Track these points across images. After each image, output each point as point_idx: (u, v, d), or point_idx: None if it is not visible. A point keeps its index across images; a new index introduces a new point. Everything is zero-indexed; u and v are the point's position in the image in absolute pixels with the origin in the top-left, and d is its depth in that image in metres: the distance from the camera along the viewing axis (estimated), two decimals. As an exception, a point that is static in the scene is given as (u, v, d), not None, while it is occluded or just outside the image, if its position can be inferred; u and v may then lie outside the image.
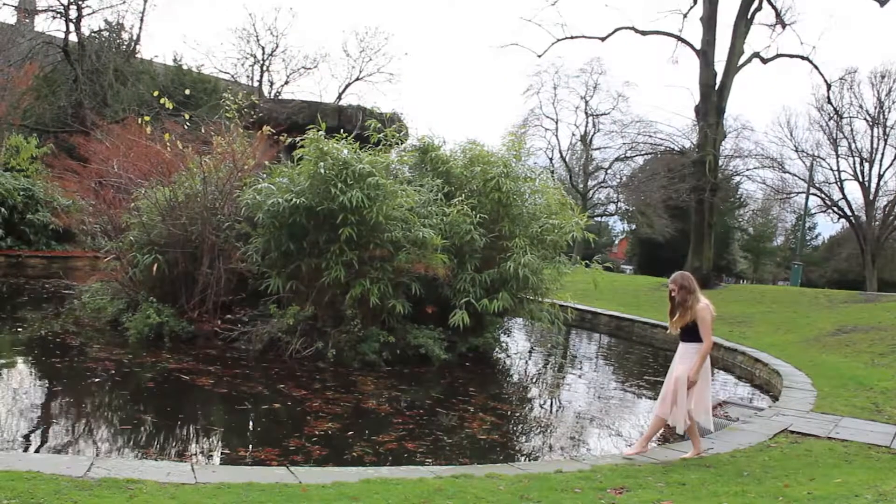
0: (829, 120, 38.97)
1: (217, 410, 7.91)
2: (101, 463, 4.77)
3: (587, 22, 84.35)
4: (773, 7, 26.55)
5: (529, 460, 6.98)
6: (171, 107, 12.34)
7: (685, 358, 6.21)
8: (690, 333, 6.19)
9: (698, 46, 25.77)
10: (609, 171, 47.83)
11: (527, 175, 12.85)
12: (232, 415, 7.70)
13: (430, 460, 6.39)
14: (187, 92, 19.03)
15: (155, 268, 10.71)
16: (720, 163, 29.92)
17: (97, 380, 8.42)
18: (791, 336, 15.05)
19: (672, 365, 6.39)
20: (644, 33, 27.75)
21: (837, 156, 39.77)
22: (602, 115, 47.53)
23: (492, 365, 12.07)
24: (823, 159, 40.46)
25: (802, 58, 27.11)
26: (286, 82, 41.39)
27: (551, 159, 49.37)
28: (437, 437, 7.26)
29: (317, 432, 6.92)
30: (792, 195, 43.04)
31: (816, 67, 27.54)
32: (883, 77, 37.86)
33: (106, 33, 33.62)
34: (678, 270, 6.54)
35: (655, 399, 7.24)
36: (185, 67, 36.88)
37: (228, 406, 7.89)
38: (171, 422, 7.26)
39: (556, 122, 48.86)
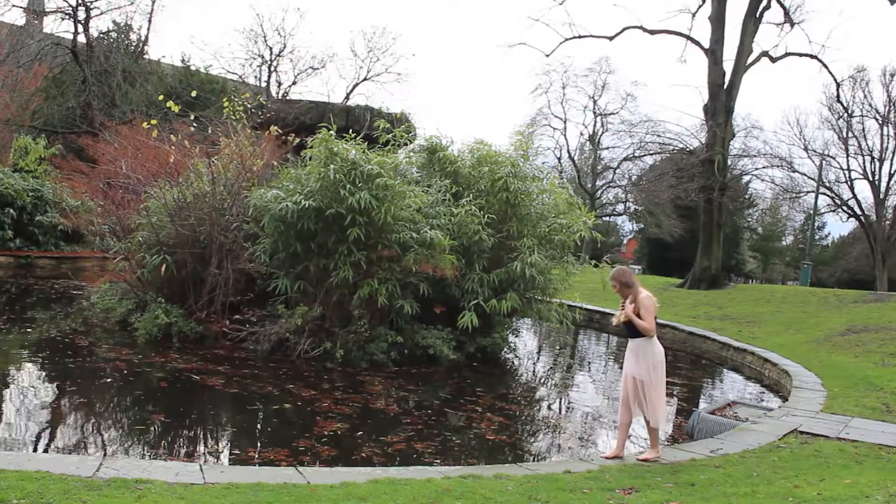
0: (839, 119, 38.69)
1: (226, 410, 7.93)
2: (109, 463, 4.78)
3: (595, 21, 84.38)
4: (782, 5, 26.47)
5: (538, 460, 6.97)
6: (176, 110, 12.38)
7: (637, 354, 6.24)
8: (637, 329, 6.24)
9: (707, 45, 25.69)
10: (617, 171, 47.64)
11: (535, 175, 12.82)
12: (241, 415, 7.72)
13: (438, 460, 6.39)
14: (194, 94, 19.03)
15: (163, 268, 10.74)
16: (729, 162, 29.75)
17: (106, 380, 8.46)
18: (800, 336, 14.97)
19: (625, 364, 6.38)
20: (652, 32, 27.68)
21: (847, 155, 39.40)
22: (610, 114, 47.29)
23: (500, 365, 12.05)
24: (833, 158, 40.10)
25: (811, 56, 27.01)
26: (294, 82, 41.59)
27: (559, 159, 49.22)
28: (445, 437, 7.26)
29: (325, 432, 6.92)
30: (801, 194, 42.69)
31: (826, 66, 27.43)
32: (892, 75, 37.53)
33: (114, 34, 33.78)
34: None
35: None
36: (192, 68, 37.03)
37: (237, 406, 7.91)
38: (179, 422, 7.29)
39: (565, 122, 48.62)
